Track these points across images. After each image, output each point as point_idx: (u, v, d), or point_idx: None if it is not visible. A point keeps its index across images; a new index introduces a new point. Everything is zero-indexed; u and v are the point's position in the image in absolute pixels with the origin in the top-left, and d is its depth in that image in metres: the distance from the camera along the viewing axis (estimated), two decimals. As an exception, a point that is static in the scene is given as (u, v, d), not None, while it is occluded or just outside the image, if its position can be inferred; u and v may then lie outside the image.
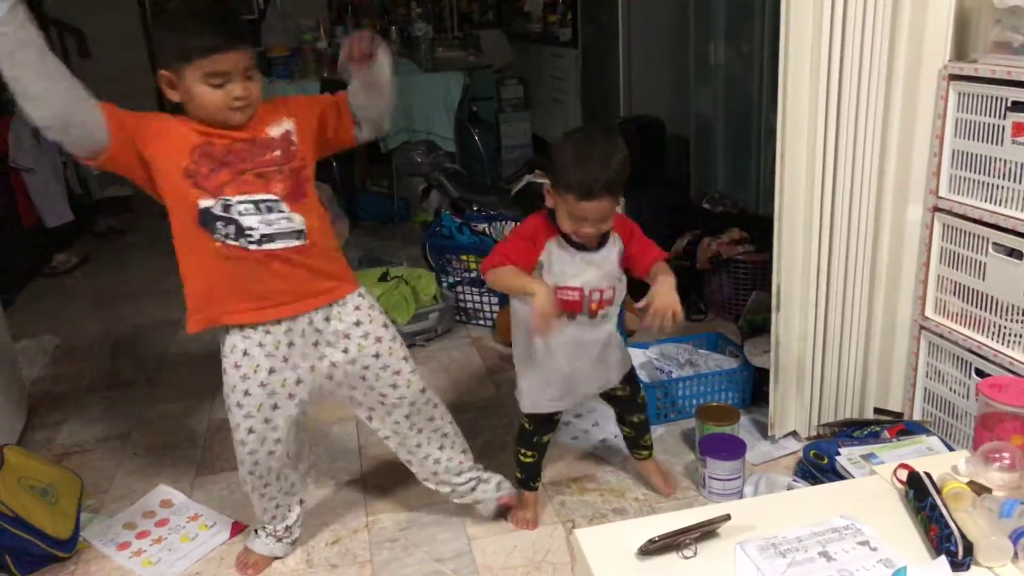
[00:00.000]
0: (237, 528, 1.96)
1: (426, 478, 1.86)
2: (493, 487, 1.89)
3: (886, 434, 2.01)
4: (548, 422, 1.87)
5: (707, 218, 3.11)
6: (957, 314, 1.95)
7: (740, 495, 1.93)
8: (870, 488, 1.50)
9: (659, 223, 3.15)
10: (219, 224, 1.53)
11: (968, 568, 1.24)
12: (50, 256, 4.16)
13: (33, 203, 4.13)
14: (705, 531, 1.35)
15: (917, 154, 1.94)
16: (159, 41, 1.54)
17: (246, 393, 1.63)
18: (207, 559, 1.88)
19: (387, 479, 2.11)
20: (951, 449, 1.91)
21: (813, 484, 1.89)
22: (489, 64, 5.45)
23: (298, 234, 1.57)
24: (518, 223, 3.23)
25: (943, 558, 1.25)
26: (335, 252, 1.69)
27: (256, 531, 1.86)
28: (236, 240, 1.53)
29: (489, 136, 5.27)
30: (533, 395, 1.80)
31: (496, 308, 2.99)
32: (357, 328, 1.67)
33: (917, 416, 2.13)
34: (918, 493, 1.38)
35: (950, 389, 2.00)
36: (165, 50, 1.51)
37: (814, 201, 1.94)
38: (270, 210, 1.54)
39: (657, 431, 2.24)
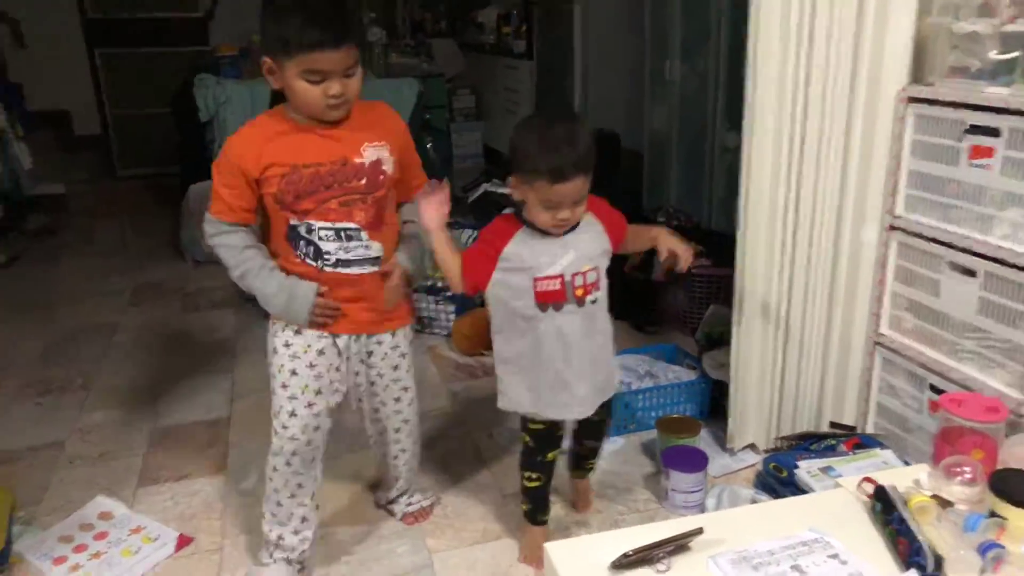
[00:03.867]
0: (183, 541, 1.87)
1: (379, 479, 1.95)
2: (404, 504, 1.94)
3: (842, 447, 2.04)
4: (551, 437, 1.73)
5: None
6: (911, 330, 2.00)
7: (702, 508, 1.93)
8: (836, 501, 1.51)
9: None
10: (302, 243, 1.57)
11: (933, 580, 1.25)
12: (-24, 254, 3.95)
13: (-41, 198, 3.91)
14: (678, 545, 1.34)
15: (875, 174, 1.98)
16: (265, 28, 1.51)
17: (293, 373, 1.62)
18: (151, 575, 1.78)
19: (339, 488, 2.04)
20: (906, 463, 1.94)
21: (774, 497, 1.91)
22: (442, 73, 5.42)
23: (374, 261, 1.63)
24: (476, 231, 3.22)
25: (912, 571, 1.26)
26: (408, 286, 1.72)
27: (265, 556, 1.73)
28: (314, 261, 1.58)
29: (441, 145, 5.24)
30: (529, 397, 1.66)
31: (452, 316, 2.95)
32: (394, 352, 1.75)
33: (870, 430, 2.17)
34: (885, 507, 1.40)
35: (903, 404, 2.05)
36: (269, 38, 1.50)
37: (776, 218, 1.96)
38: (350, 238, 1.59)
39: (617, 442, 2.23)
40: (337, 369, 1.67)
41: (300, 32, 1.43)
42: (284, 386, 1.62)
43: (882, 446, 2.03)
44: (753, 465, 2.12)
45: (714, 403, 2.35)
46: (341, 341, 1.66)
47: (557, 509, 1.95)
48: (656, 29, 3.72)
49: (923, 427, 1.99)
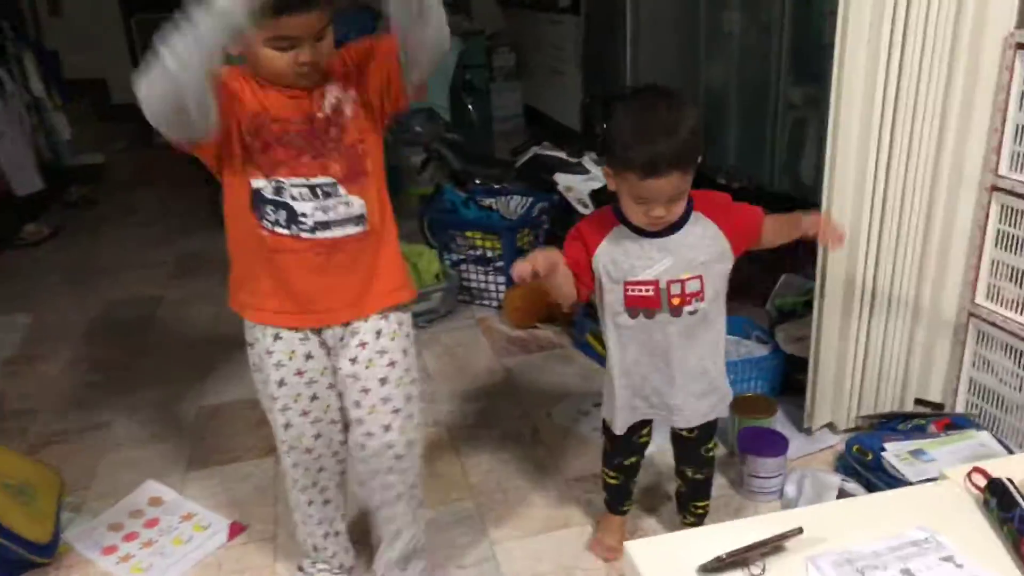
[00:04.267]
0: (236, 529, 1.80)
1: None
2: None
3: (932, 428, 1.89)
4: (627, 443, 1.61)
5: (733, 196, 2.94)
6: (1013, 301, 1.83)
7: (780, 494, 1.80)
8: (942, 495, 1.37)
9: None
10: (269, 209, 1.35)
11: (1066, 589, 1.12)
12: (19, 227, 3.91)
13: (1, 170, 3.88)
14: (774, 546, 1.21)
15: (976, 130, 1.79)
16: None
17: (280, 383, 1.44)
18: (204, 564, 1.72)
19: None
20: (1006, 446, 1.79)
21: (860, 482, 1.77)
22: (482, 30, 5.22)
23: (357, 220, 1.39)
24: (524, 197, 3.08)
25: (1042, 578, 1.12)
26: (395, 245, 1.48)
27: (302, 568, 1.64)
28: (287, 227, 1.36)
29: (481, 105, 5.07)
30: (609, 409, 1.58)
31: (503, 288, 2.83)
32: (376, 340, 1.46)
33: (960, 408, 2.01)
34: (1002, 502, 1.25)
35: (1000, 380, 1.89)
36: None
37: (865, 181, 1.79)
38: (327, 195, 1.37)
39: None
40: (334, 371, 1.47)
41: None
42: (274, 398, 1.45)
43: (977, 427, 1.87)
44: (832, 446, 1.98)
45: (787, 379, 2.20)
46: (328, 335, 1.45)
47: (669, 490, 1.82)
48: (712, -22, 3.50)
49: (1021, 406, 1.83)
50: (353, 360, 1.45)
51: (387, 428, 1.47)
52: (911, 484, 1.70)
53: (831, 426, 2.03)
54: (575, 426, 2.12)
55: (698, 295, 1.45)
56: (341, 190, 1.38)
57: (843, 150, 1.76)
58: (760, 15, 3.24)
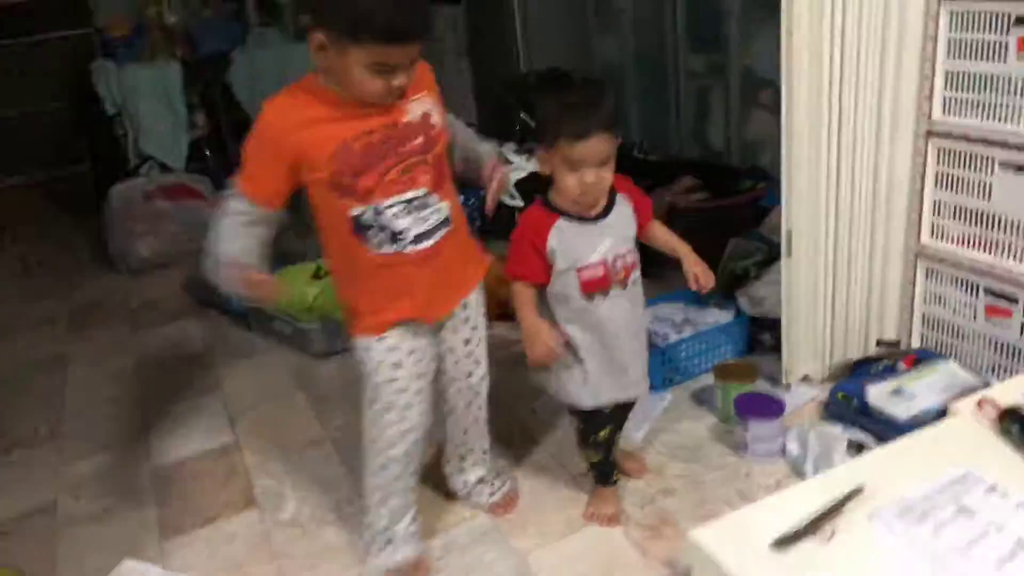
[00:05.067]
0: (240, 595, 1.65)
1: (450, 460, 1.80)
2: (487, 494, 1.80)
3: (902, 365, 1.98)
4: (599, 417, 1.67)
5: (651, 168, 2.99)
6: (958, 237, 1.95)
7: (783, 453, 1.84)
8: (960, 429, 1.44)
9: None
10: (371, 232, 1.41)
11: (1104, 498, 1.19)
12: None
13: None
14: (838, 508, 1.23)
15: (906, 79, 1.89)
16: (327, 1, 1.28)
17: (396, 365, 1.49)
18: (215, 640, 1.57)
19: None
20: (972, 372, 1.91)
21: (857, 428, 1.84)
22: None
23: (446, 221, 1.48)
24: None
25: (1083, 492, 1.20)
26: (467, 223, 1.58)
27: (377, 548, 1.63)
28: (391, 246, 1.42)
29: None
30: (591, 388, 1.61)
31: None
32: (463, 310, 1.61)
33: (916, 343, 2.13)
34: (1025, 427, 1.33)
35: (953, 312, 2.01)
36: (332, 14, 1.26)
37: (821, 142, 1.85)
38: (422, 207, 1.43)
39: (665, 399, 2.12)
40: (432, 359, 1.57)
41: (382, 18, 1.23)
42: (391, 380, 1.49)
43: (941, 358, 1.99)
44: (814, 398, 2.04)
45: (751, 340, 2.26)
46: (433, 325, 1.55)
47: (636, 484, 1.83)
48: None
49: (979, 332, 1.95)
50: (467, 341, 1.64)
51: (469, 375, 1.69)
52: (902, 422, 1.79)
53: (807, 379, 2.10)
54: (562, 419, 2.09)
55: (634, 265, 1.61)
56: (433, 199, 1.44)
57: (797, 113, 1.80)
58: (651, -12, 3.30)
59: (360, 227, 1.40)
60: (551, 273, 1.55)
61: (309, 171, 1.36)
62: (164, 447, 2.21)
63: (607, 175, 1.52)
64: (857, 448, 1.74)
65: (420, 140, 1.40)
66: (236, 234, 1.38)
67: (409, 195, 1.41)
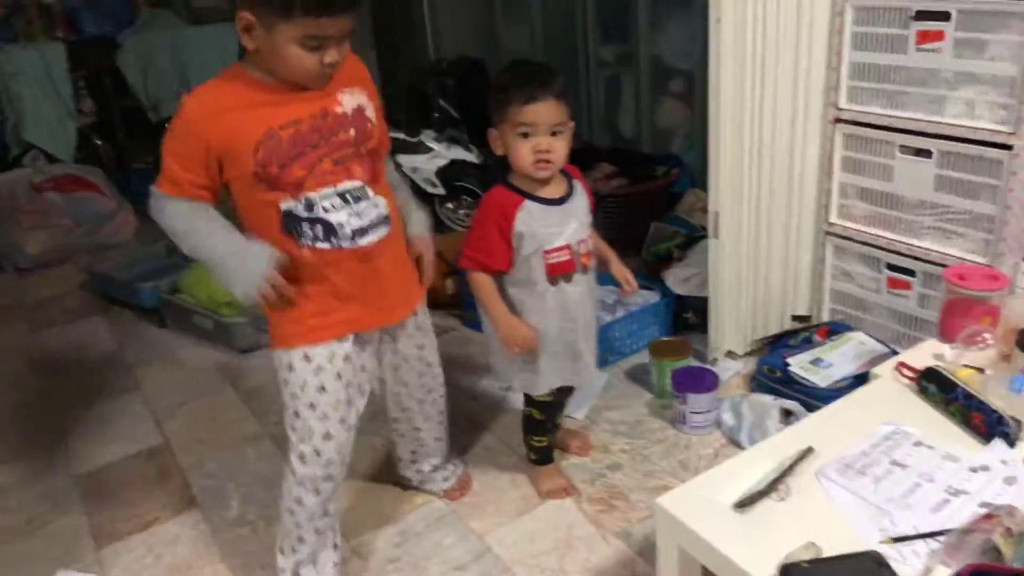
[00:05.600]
0: (192, 599, 1.60)
1: (402, 457, 1.79)
2: (441, 479, 1.82)
3: (817, 337, 2.14)
4: (559, 404, 1.73)
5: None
6: (863, 216, 2.11)
7: (718, 424, 1.95)
8: (883, 390, 1.58)
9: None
10: (305, 226, 1.33)
11: (1015, 444, 1.35)
12: None
13: None
14: (791, 469, 1.33)
15: (815, 70, 2.02)
16: None
17: (321, 389, 1.40)
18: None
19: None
20: (876, 339, 2.08)
21: (777, 397, 1.97)
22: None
23: (386, 220, 1.41)
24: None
25: (998, 440, 1.34)
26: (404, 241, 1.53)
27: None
28: (326, 241, 1.35)
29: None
30: (526, 378, 1.65)
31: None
32: (419, 333, 1.59)
33: (826, 316, 2.29)
34: (942, 386, 1.47)
35: (859, 286, 2.18)
36: None
37: (743, 129, 1.97)
38: (358, 199, 1.36)
39: (603, 378, 2.20)
40: (363, 368, 1.48)
41: None
42: (312, 406, 1.40)
43: (850, 328, 2.16)
44: (739, 372, 2.17)
45: (675, 318, 2.38)
46: (368, 336, 1.47)
47: (583, 461, 1.89)
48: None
49: (881, 305, 2.13)
50: (421, 347, 1.60)
51: (420, 375, 1.65)
52: (823, 388, 1.94)
53: (731, 354, 2.23)
54: (504, 403, 2.13)
55: (593, 252, 1.63)
56: (369, 192, 1.38)
57: (722, 101, 1.90)
58: (560, -24, 3.36)
59: (292, 223, 1.33)
60: (513, 259, 1.55)
61: (234, 164, 1.29)
62: (85, 452, 2.10)
63: (559, 146, 1.51)
64: (786, 414, 1.87)
65: (352, 132, 1.35)
66: (211, 227, 1.33)
67: (344, 186, 1.34)
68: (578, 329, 1.63)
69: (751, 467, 1.36)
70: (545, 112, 1.47)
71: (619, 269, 1.70)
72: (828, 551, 1.14)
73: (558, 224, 1.55)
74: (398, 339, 1.56)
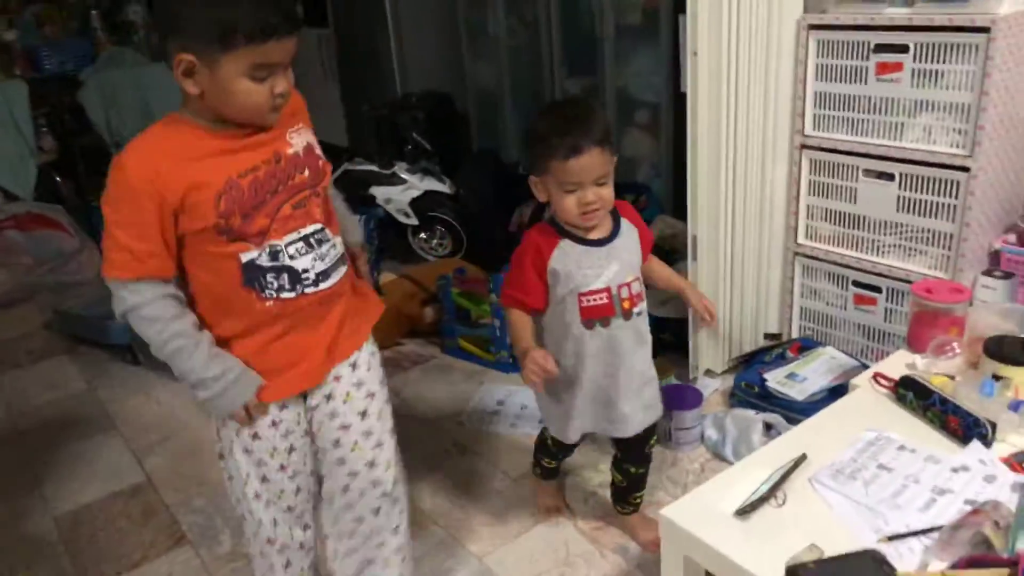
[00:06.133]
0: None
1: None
2: None
3: (790, 353, 2.22)
4: (572, 447, 1.70)
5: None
6: (829, 236, 2.21)
7: (703, 439, 2.01)
8: (863, 399, 1.65)
9: (491, 197, 3.12)
10: (270, 277, 1.24)
11: (991, 445, 1.43)
12: None
13: None
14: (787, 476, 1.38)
15: (783, 99, 2.13)
16: (183, 15, 1.11)
17: (263, 480, 1.33)
18: None
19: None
20: (846, 353, 2.17)
21: (758, 411, 2.03)
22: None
23: (343, 258, 1.33)
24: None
25: (975, 442, 1.42)
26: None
27: None
28: (291, 290, 1.25)
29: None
30: (560, 423, 1.60)
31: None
32: (352, 372, 1.38)
33: (795, 333, 2.38)
34: (919, 393, 1.55)
35: (828, 303, 2.27)
36: (193, 28, 1.09)
37: (720, 156, 2.06)
38: (320, 242, 1.28)
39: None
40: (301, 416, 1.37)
41: (251, 14, 1.09)
42: (257, 496, 1.33)
43: (821, 344, 2.25)
44: (718, 389, 2.24)
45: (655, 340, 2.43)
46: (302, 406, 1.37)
47: (576, 480, 1.92)
48: (467, -19, 3.65)
49: (849, 320, 2.23)
50: (328, 396, 1.36)
51: (372, 464, 1.40)
52: (800, 402, 2.02)
53: (709, 372, 2.30)
54: (492, 426, 2.16)
55: (640, 296, 1.53)
56: (328, 233, 1.30)
57: (700, 129, 1.99)
58: (525, 15, 3.46)
59: (254, 274, 1.23)
60: (549, 300, 1.50)
61: (192, 217, 1.17)
62: (64, 493, 2.05)
63: (607, 194, 1.44)
64: (767, 427, 1.93)
65: (307, 173, 1.27)
66: (191, 346, 1.21)
67: (308, 229, 1.26)
68: (616, 376, 1.53)
69: (747, 477, 1.41)
70: (590, 165, 1.39)
71: (697, 300, 1.62)
72: (828, 552, 1.19)
73: (597, 266, 1.47)
74: (330, 399, 1.38)
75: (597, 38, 3.14)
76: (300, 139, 1.27)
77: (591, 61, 3.21)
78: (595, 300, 1.47)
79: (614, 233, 1.50)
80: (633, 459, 1.69)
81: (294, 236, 1.25)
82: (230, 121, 1.18)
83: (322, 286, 1.28)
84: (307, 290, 1.27)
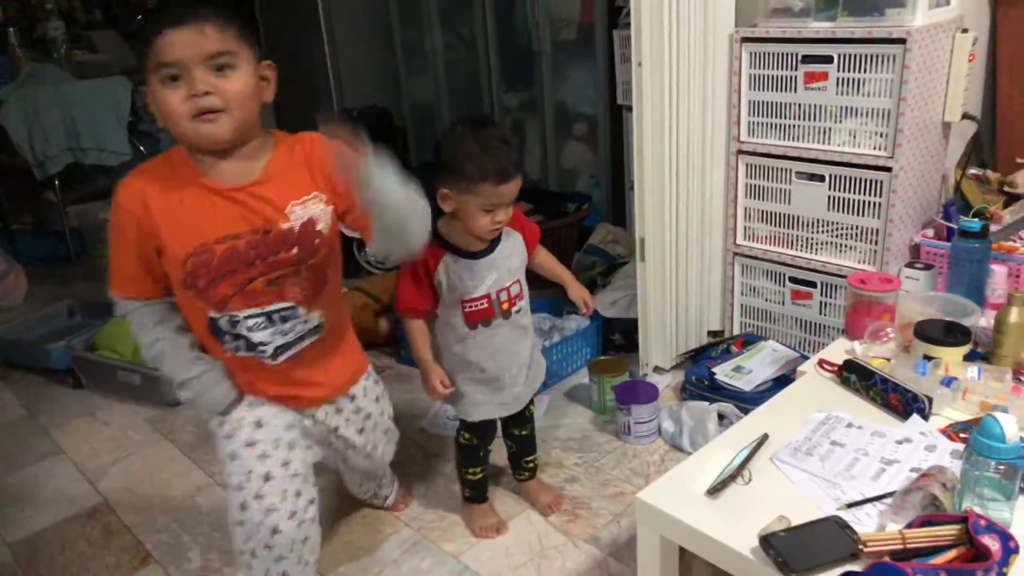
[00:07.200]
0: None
1: (351, 484, 1.83)
2: (383, 498, 1.89)
3: (734, 348, 2.34)
4: (490, 429, 1.78)
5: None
6: (766, 236, 2.35)
7: (659, 432, 2.10)
8: (810, 384, 1.77)
9: (434, 211, 3.16)
10: (227, 338, 1.29)
11: (928, 418, 1.56)
12: None
13: None
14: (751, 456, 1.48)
15: (719, 108, 2.26)
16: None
17: (266, 478, 1.33)
18: None
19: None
20: (785, 345, 2.30)
21: (709, 403, 2.14)
22: (134, 69, 4.75)
23: (316, 329, 1.36)
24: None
25: (915, 416, 1.55)
26: (348, 322, 1.49)
27: None
28: (249, 352, 1.31)
29: (152, 152, 4.63)
30: (476, 403, 1.70)
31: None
32: (351, 402, 1.53)
33: (736, 329, 2.51)
34: (862, 375, 1.68)
35: (766, 300, 2.41)
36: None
37: (664, 161, 2.17)
38: (285, 319, 1.29)
39: (544, 400, 2.30)
40: (308, 434, 1.46)
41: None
42: (258, 497, 1.32)
43: (762, 338, 2.38)
44: (669, 384, 2.34)
45: (604, 340, 2.53)
46: (314, 413, 1.47)
47: (575, 458, 1.99)
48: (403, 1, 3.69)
49: (787, 315, 2.37)
50: (361, 431, 1.55)
51: (376, 445, 1.64)
52: (748, 392, 2.13)
53: (658, 369, 2.40)
54: (453, 431, 2.18)
55: (519, 296, 1.66)
56: (300, 311, 1.31)
57: (644, 136, 2.10)
58: (462, 31, 3.54)
59: (215, 329, 1.28)
60: (439, 302, 1.61)
61: (164, 261, 1.24)
62: (15, 520, 1.98)
63: (512, 212, 1.57)
64: (720, 417, 2.03)
65: (295, 251, 1.25)
66: (169, 349, 1.31)
67: (273, 307, 1.27)
68: (500, 367, 1.67)
69: (713, 459, 1.50)
70: (513, 189, 1.51)
71: (576, 292, 1.75)
72: (795, 521, 1.28)
73: (477, 277, 1.59)
74: (336, 418, 1.50)
75: (534, 53, 3.24)
76: (303, 212, 1.24)
77: (528, 75, 3.31)
78: (477, 306, 1.60)
79: (493, 244, 1.61)
80: (515, 422, 1.81)
81: (255, 311, 1.25)
82: (189, 146, 1.20)
83: (281, 359, 1.32)
84: (265, 360, 1.31)
